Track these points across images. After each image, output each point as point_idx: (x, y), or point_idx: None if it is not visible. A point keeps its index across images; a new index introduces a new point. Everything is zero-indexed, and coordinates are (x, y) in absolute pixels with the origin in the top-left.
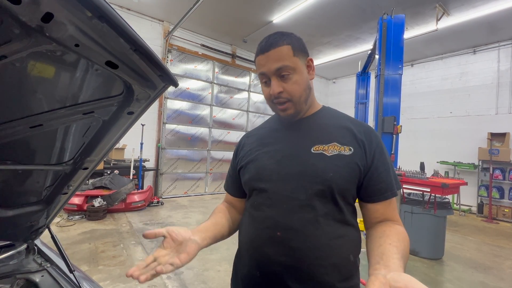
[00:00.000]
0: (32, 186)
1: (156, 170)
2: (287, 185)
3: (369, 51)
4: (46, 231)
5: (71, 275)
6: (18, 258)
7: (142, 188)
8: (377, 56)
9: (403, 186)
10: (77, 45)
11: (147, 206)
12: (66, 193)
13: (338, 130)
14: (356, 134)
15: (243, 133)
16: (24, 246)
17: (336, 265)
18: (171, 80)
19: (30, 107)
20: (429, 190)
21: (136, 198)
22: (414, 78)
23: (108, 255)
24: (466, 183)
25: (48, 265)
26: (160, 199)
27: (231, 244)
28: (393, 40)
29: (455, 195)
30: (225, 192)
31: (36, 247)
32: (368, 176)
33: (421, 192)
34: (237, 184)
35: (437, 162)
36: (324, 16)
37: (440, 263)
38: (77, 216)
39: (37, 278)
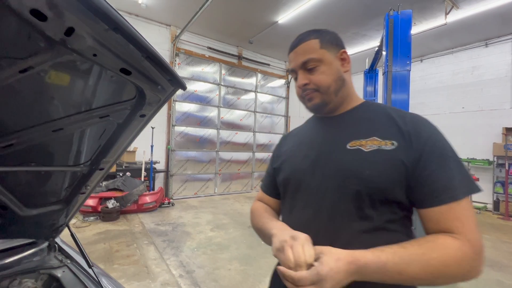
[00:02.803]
0: (53, 186)
1: (167, 172)
2: (321, 186)
3: (376, 48)
4: (65, 230)
5: (90, 271)
6: (41, 255)
7: (153, 189)
8: (384, 53)
9: None
10: (95, 55)
11: (159, 207)
12: (84, 193)
13: (380, 123)
14: (401, 125)
15: (251, 134)
16: (46, 244)
17: (375, 285)
18: (179, 84)
19: (52, 112)
20: None
21: (148, 199)
22: (424, 74)
23: (122, 254)
24: (477, 179)
25: (69, 261)
26: (170, 200)
27: (241, 243)
28: (400, 36)
29: None
30: (261, 191)
31: (56, 245)
32: (416, 174)
33: None
34: (274, 183)
35: None
36: (329, 15)
37: None
38: (92, 217)
39: (59, 273)
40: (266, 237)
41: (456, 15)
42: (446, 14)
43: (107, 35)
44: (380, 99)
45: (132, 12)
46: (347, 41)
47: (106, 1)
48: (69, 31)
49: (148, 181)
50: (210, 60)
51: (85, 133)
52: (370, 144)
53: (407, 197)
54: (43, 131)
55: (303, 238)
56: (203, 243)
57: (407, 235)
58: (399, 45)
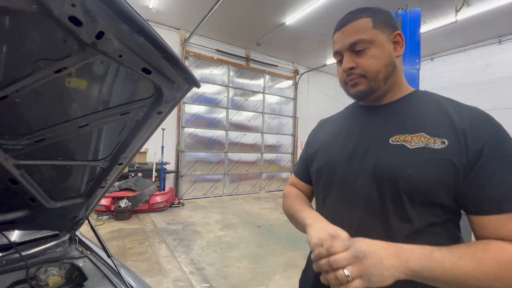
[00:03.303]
0: (76, 181)
1: (177, 173)
2: (356, 182)
3: None
4: (84, 228)
5: (109, 261)
6: (63, 246)
7: (163, 189)
8: None
9: None
10: (120, 56)
11: (169, 207)
12: (104, 187)
13: (430, 117)
14: (455, 122)
15: (259, 135)
16: (67, 236)
17: (415, 283)
18: (194, 82)
19: (79, 109)
20: None
21: (159, 199)
22: (434, 73)
23: (135, 251)
24: None
25: (88, 252)
26: (180, 200)
27: (250, 243)
28: (409, 35)
29: None
30: (293, 176)
31: (77, 238)
32: (469, 178)
33: None
34: (307, 169)
35: None
36: (337, 15)
37: None
38: (105, 216)
39: (80, 263)
40: (299, 225)
41: (467, 12)
42: (457, 11)
43: (131, 38)
44: None
45: (143, 17)
46: None
47: (131, 7)
48: (100, 35)
49: (158, 182)
50: (219, 62)
51: (107, 130)
52: (416, 141)
53: (456, 202)
54: (70, 127)
55: (344, 236)
56: (213, 242)
57: (453, 241)
58: (408, 44)
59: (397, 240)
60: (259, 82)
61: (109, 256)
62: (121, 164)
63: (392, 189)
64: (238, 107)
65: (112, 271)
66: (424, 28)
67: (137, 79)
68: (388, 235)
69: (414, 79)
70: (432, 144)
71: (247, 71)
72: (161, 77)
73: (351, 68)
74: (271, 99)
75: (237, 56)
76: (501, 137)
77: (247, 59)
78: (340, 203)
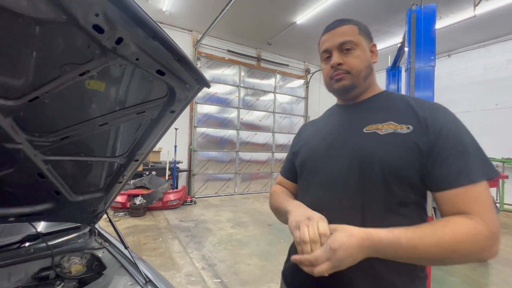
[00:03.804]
0: (96, 176)
1: (189, 171)
2: (336, 167)
3: (399, 45)
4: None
5: (126, 252)
6: (84, 238)
7: (176, 188)
8: (406, 49)
9: None
10: (137, 59)
11: (182, 204)
12: (121, 182)
13: (397, 109)
14: (417, 111)
15: (270, 134)
16: (88, 228)
17: (384, 260)
18: (204, 82)
19: (99, 109)
20: None
21: (172, 197)
22: (452, 70)
23: (149, 247)
24: (506, 177)
25: (107, 244)
26: (193, 198)
27: (260, 240)
28: (423, 31)
29: (497, 194)
30: (280, 176)
31: (96, 230)
32: (432, 158)
33: None
34: (293, 168)
35: None
36: (349, 13)
37: (485, 265)
38: (121, 213)
39: (99, 253)
40: (282, 215)
41: (486, 7)
42: (475, 5)
43: (147, 42)
44: None
45: (156, 19)
46: None
47: (147, 14)
48: (119, 40)
49: (172, 180)
50: (230, 62)
51: (124, 128)
52: (386, 128)
53: (422, 181)
54: (92, 125)
55: (318, 217)
56: (224, 239)
57: (421, 221)
58: (423, 40)
59: (372, 218)
60: (270, 82)
61: (126, 247)
62: (137, 160)
63: (367, 170)
64: (249, 106)
65: (129, 261)
66: (440, 24)
67: (152, 80)
68: (364, 216)
69: (428, 77)
70: (399, 129)
71: (258, 71)
72: (174, 78)
73: (339, 64)
74: (282, 98)
75: (248, 56)
76: (455, 123)
77: (258, 59)
78: (322, 189)
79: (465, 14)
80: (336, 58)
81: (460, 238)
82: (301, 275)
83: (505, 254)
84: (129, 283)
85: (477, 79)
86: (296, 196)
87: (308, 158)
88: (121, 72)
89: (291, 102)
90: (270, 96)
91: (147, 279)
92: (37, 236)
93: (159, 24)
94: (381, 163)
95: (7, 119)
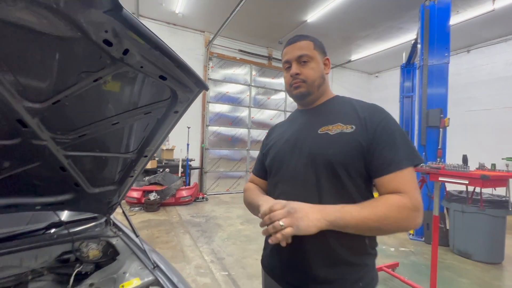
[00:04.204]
0: (110, 170)
1: (201, 169)
2: (297, 164)
3: (413, 41)
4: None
5: (137, 240)
6: (100, 227)
7: (189, 184)
8: (419, 46)
9: (441, 180)
10: (141, 67)
11: (194, 201)
12: (132, 176)
13: (344, 112)
14: (359, 112)
15: None
16: (104, 219)
17: (338, 238)
18: (202, 85)
19: (111, 110)
20: (467, 182)
21: (184, 193)
22: (471, 66)
23: (162, 240)
24: None
25: (120, 233)
26: (205, 195)
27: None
28: (437, 27)
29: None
30: (252, 175)
31: (111, 221)
32: (370, 151)
33: (466, 188)
34: (263, 167)
35: (503, 158)
36: (361, 10)
37: (499, 267)
38: (136, 208)
39: (113, 241)
40: (254, 208)
41: (506, 0)
42: None
43: (149, 52)
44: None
45: (170, 21)
46: (381, 36)
47: (148, 29)
48: (125, 52)
49: (184, 177)
50: (241, 62)
51: (134, 127)
52: (335, 129)
53: (366, 171)
54: (105, 124)
55: (283, 203)
56: (233, 235)
57: (361, 199)
58: (436, 36)
59: (327, 203)
60: (281, 81)
61: (137, 236)
62: (146, 156)
63: (321, 166)
64: (260, 105)
65: (139, 249)
66: (457, 19)
67: (156, 85)
68: (320, 201)
69: (442, 74)
70: (345, 129)
71: (269, 70)
72: (175, 82)
73: (297, 74)
74: None
75: (259, 55)
76: (388, 121)
77: (269, 58)
78: (286, 183)
79: (484, 8)
80: (294, 68)
81: (389, 208)
82: (273, 258)
83: None
84: (139, 267)
85: (498, 75)
86: (267, 192)
87: (275, 158)
88: (129, 78)
89: None
90: (281, 95)
91: (155, 265)
92: (60, 224)
93: (173, 26)
94: (331, 159)
95: (35, 119)
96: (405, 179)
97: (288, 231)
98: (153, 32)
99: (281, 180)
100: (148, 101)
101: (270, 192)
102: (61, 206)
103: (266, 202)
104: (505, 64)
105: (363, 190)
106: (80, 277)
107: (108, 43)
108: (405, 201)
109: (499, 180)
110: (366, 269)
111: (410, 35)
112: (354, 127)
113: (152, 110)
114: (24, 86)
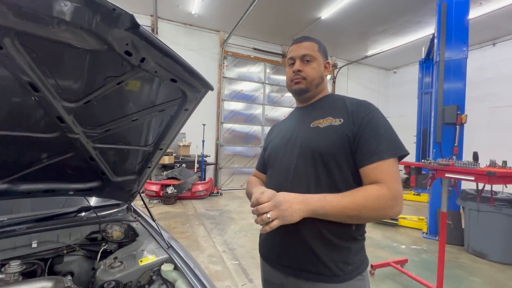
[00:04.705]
0: (131, 161)
1: (216, 165)
2: (290, 156)
3: (432, 35)
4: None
5: (153, 224)
6: (122, 212)
7: (204, 179)
8: (436, 41)
9: (448, 176)
10: (156, 71)
11: (209, 195)
12: (150, 167)
13: (335, 107)
14: (348, 107)
15: None
16: (125, 206)
17: (327, 224)
18: (208, 86)
19: (132, 108)
20: (473, 178)
21: (200, 188)
22: (497, 60)
23: (178, 230)
24: None
25: (140, 218)
26: (219, 190)
27: None
28: (455, 21)
29: None
30: (255, 169)
31: (132, 207)
32: (355, 143)
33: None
34: (264, 162)
35: None
36: (376, 5)
37: None
38: (155, 201)
39: (134, 225)
40: (250, 198)
41: None
42: None
43: (162, 60)
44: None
45: (187, 22)
46: (398, 30)
47: (160, 40)
48: (142, 60)
49: (200, 172)
50: (255, 60)
51: (150, 123)
52: (325, 122)
53: (353, 160)
54: (126, 121)
55: (269, 191)
56: (245, 228)
57: (348, 187)
58: (453, 31)
59: (313, 192)
60: None
61: (154, 220)
62: (161, 149)
63: (311, 157)
64: (274, 103)
65: (156, 232)
66: (481, 11)
67: (168, 86)
68: (309, 191)
69: (459, 69)
70: (334, 123)
71: (283, 67)
72: (184, 84)
73: (299, 71)
74: None
75: (273, 53)
76: (374, 115)
77: (283, 55)
78: (280, 174)
79: None
80: (297, 65)
81: (368, 197)
82: (267, 244)
83: None
84: (155, 247)
85: None
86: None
87: (272, 151)
88: (145, 81)
89: None
90: None
91: (169, 245)
92: (88, 208)
93: (189, 27)
94: (320, 150)
95: (70, 116)
96: (386, 170)
97: (275, 223)
98: (164, 43)
99: (276, 171)
100: (162, 100)
101: (267, 183)
102: (90, 192)
103: (258, 191)
104: None
105: (350, 181)
106: (106, 254)
107: (128, 53)
108: (383, 191)
109: (506, 177)
110: (354, 252)
111: (429, 29)
112: (342, 120)
113: (166, 108)
114: (62, 89)
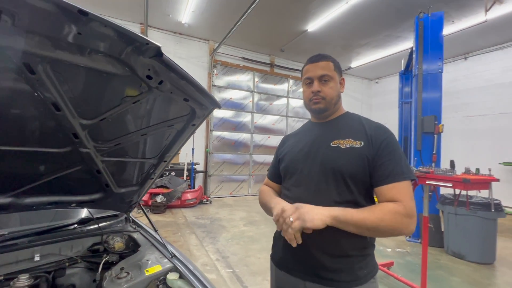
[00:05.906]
0: (135, 173)
1: (205, 173)
2: (310, 171)
3: (410, 49)
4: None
5: (154, 234)
6: (122, 223)
7: (194, 188)
8: (414, 55)
9: (428, 183)
10: (171, 92)
11: (198, 203)
12: (152, 178)
13: (353, 128)
14: (367, 130)
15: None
16: (124, 216)
17: (345, 235)
18: (216, 104)
19: (142, 124)
20: (451, 185)
21: (189, 196)
22: (468, 72)
23: (170, 240)
24: (497, 180)
25: (139, 229)
26: (209, 198)
27: (271, 238)
28: (431, 38)
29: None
30: (267, 178)
31: (131, 218)
32: (373, 164)
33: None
34: (277, 172)
35: (500, 163)
36: (359, 20)
37: (490, 268)
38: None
39: (134, 235)
40: (268, 209)
41: (501, 10)
42: (486, 10)
43: (177, 82)
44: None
45: (177, 31)
46: (380, 44)
47: (178, 65)
48: (160, 82)
49: (189, 180)
50: (244, 69)
51: (157, 137)
52: (346, 143)
53: (370, 180)
54: (136, 135)
55: (290, 205)
56: (237, 236)
57: (366, 203)
58: (430, 46)
59: (335, 206)
60: (283, 87)
61: (155, 230)
62: (165, 161)
63: (333, 175)
64: (263, 111)
65: (157, 241)
66: (454, 28)
67: (179, 104)
68: (329, 205)
69: (436, 82)
70: (355, 145)
71: (271, 77)
72: (195, 102)
73: (318, 91)
74: (295, 102)
75: (262, 62)
76: (391, 139)
77: (272, 65)
78: (299, 188)
79: (478, 18)
80: (316, 86)
81: (385, 213)
82: (286, 253)
83: (510, 257)
84: (159, 257)
85: (495, 81)
86: (280, 194)
87: (289, 164)
88: (160, 100)
89: (303, 106)
90: (283, 101)
91: (172, 254)
92: (88, 220)
93: (179, 36)
94: (342, 169)
95: (84, 132)
96: (401, 190)
97: (296, 224)
98: (180, 67)
99: (294, 185)
100: (172, 116)
101: (284, 194)
102: (92, 204)
103: (278, 204)
104: (501, 71)
105: (367, 198)
106: (107, 266)
107: (149, 77)
108: (399, 208)
109: (479, 183)
110: (369, 258)
111: (408, 43)
112: (362, 143)
113: (174, 124)
114: (81, 108)
